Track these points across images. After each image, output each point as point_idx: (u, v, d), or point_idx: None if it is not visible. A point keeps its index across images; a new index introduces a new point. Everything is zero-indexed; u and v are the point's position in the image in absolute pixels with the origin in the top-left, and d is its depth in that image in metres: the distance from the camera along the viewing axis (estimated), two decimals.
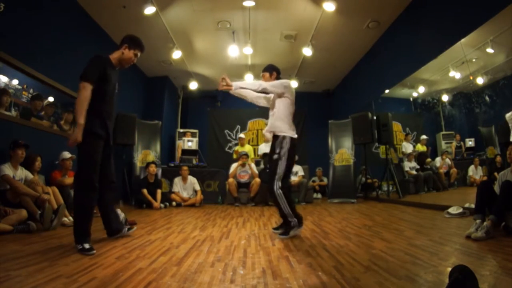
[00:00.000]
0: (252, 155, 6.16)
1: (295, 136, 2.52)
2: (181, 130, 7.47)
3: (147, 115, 6.82)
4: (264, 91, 2.52)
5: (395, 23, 5.10)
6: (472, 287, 1.01)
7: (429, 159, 5.10)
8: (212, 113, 8.40)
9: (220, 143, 8.23)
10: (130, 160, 5.76)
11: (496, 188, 2.44)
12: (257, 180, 5.38)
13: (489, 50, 3.55)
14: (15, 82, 3.37)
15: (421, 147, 5.33)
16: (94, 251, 1.83)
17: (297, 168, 5.73)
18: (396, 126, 5.79)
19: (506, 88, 3.44)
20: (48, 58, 3.80)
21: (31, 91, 3.60)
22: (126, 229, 2.38)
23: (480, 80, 3.92)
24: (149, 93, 7.43)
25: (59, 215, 2.70)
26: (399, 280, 1.34)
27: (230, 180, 5.43)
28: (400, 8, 4.76)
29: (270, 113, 2.60)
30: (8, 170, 2.76)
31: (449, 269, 1.18)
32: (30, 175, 2.99)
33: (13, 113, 3.33)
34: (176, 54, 5.85)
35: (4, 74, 3.22)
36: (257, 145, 7.55)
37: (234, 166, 5.60)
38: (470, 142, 4.41)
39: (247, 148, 6.40)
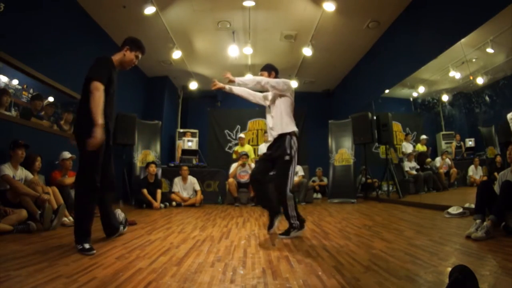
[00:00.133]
0: (252, 155, 6.16)
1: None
2: (181, 130, 7.47)
3: (147, 115, 6.82)
4: (266, 88, 2.49)
5: (395, 23, 5.10)
6: (472, 287, 1.01)
7: (429, 159, 5.10)
8: (212, 113, 8.40)
9: (220, 143, 8.23)
10: (130, 160, 5.76)
11: (496, 188, 2.44)
12: None
13: (489, 50, 3.55)
14: (15, 82, 3.37)
15: (421, 147, 5.33)
16: (94, 251, 1.83)
17: (297, 168, 5.72)
18: (396, 126, 5.79)
19: (506, 88, 3.44)
20: (48, 58, 3.79)
21: (31, 91, 3.60)
22: (122, 227, 2.41)
23: (480, 80, 3.92)
24: (149, 93, 7.43)
25: (59, 215, 2.70)
26: (399, 280, 1.34)
27: (230, 180, 5.44)
28: (400, 8, 4.76)
29: (271, 113, 2.56)
30: (8, 170, 2.76)
31: (449, 269, 1.19)
32: (30, 175, 2.99)
33: (13, 113, 3.33)
34: (176, 54, 5.85)
35: (4, 74, 3.22)
36: (257, 145, 7.55)
37: (234, 166, 5.60)
38: (470, 142, 4.41)
39: (247, 148, 6.39)
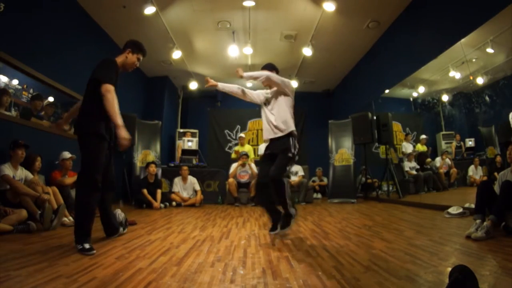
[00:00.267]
0: (252, 155, 6.16)
1: None
2: (181, 130, 7.47)
3: (147, 115, 6.82)
4: (274, 82, 2.48)
5: (395, 23, 5.10)
6: (472, 287, 1.01)
7: (429, 159, 5.10)
8: (212, 113, 8.40)
9: (220, 143, 8.23)
10: (130, 160, 5.76)
11: (496, 188, 2.44)
12: None
13: (489, 50, 3.54)
14: (15, 82, 3.37)
15: (421, 147, 5.33)
16: (94, 251, 1.83)
17: (297, 168, 5.73)
18: (396, 126, 5.79)
19: (506, 88, 3.44)
20: (48, 58, 3.80)
21: (31, 91, 3.60)
22: (122, 228, 2.42)
23: (480, 80, 3.92)
24: (149, 93, 7.43)
25: (59, 215, 2.70)
26: (399, 280, 1.34)
27: (230, 180, 5.43)
28: (400, 8, 4.76)
29: (273, 111, 2.52)
30: (8, 170, 2.76)
31: (449, 269, 1.19)
32: (30, 175, 2.99)
33: (13, 113, 3.33)
34: (176, 54, 5.85)
35: (4, 74, 3.22)
36: (257, 145, 7.56)
37: (234, 166, 5.60)
38: (470, 142, 4.41)
39: (247, 148, 6.39)
